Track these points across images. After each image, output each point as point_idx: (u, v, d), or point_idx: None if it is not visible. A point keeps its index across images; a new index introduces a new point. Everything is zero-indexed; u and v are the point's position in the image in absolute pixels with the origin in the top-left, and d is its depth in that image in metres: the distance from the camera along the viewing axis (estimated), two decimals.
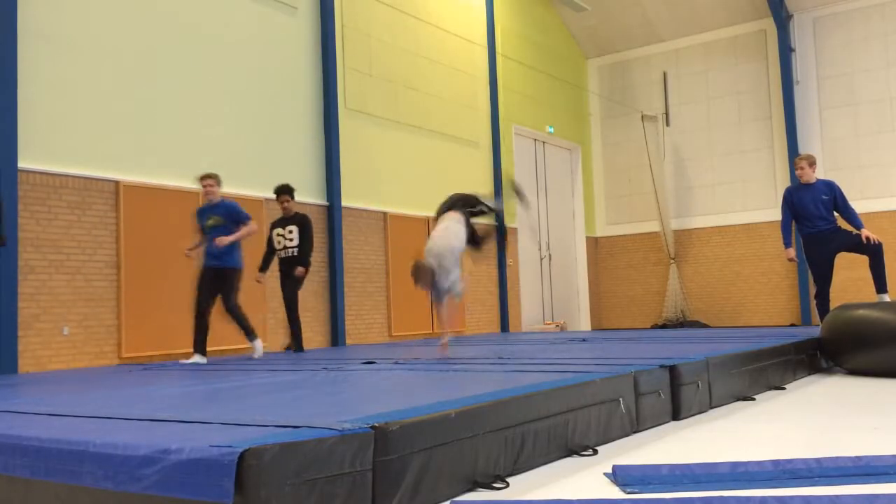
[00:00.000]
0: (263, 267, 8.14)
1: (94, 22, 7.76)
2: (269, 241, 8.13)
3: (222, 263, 7.03)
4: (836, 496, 2.45)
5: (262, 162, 9.26)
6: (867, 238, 7.16)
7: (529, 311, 14.35)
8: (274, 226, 8.14)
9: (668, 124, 15.68)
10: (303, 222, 8.01)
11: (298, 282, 8.00)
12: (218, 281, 7.04)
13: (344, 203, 10.23)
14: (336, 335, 9.92)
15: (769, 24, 14.66)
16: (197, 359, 6.97)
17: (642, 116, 15.39)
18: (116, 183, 7.78)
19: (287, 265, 8.00)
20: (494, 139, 13.31)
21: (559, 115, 15.48)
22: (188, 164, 8.44)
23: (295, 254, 7.95)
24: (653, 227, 15.61)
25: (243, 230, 7.10)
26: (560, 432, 3.42)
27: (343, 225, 10.20)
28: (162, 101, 8.28)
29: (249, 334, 7.29)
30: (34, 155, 7.15)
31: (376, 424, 2.52)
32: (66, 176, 7.38)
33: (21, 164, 7.00)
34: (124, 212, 7.77)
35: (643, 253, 15.94)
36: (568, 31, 16.17)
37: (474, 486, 2.87)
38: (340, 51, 10.47)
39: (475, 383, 3.92)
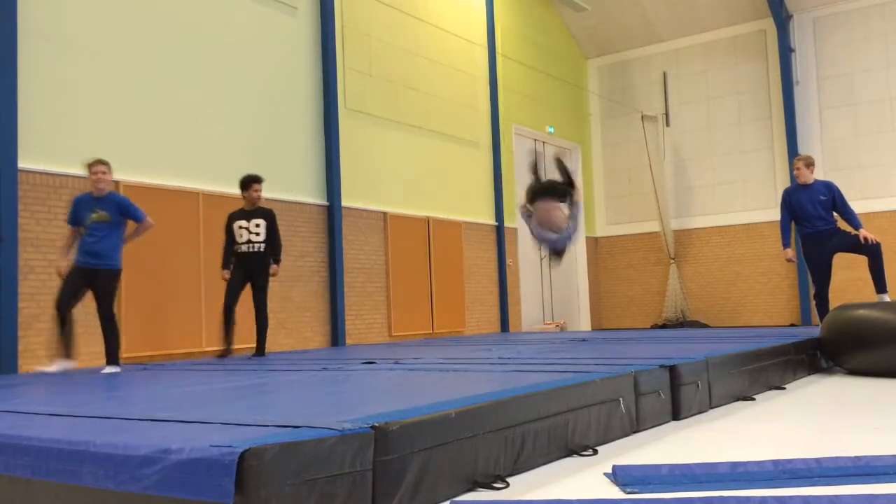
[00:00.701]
0: (227, 263, 7.47)
1: (94, 22, 7.76)
2: (230, 233, 7.46)
3: (101, 263, 6.16)
4: (836, 496, 2.46)
5: (262, 162, 9.24)
6: (865, 238, 7.17)
7: (529, 311, 14.35)
8: (234, 217, 7.49)
9: (668, 124, 15.68)
10: (271, 216, 7.51)
11: (267, 284, 7.48)
12: (93, 283, 6.17)
13: (344, 203, 10.23)
14: (336, 335, 9.92)
15: (769, 24, 14.66)
16: (61, 365, 6.08)
17: (642, 116, 15.39)
18: (116, 183, 7.76)
19: (250, 261, 7.38)
20: (494, 139, 13.31)
21: (559, 115, 15.48)
22: (188, 164, 8.45)
23: (261, 249, 7.38)
24: (653, 227, 15.61)
25: (143, 229, 6.49)
26: (560, 432, 3.42)
27: (343, 225, 10.20)
28: (162, 101, 8.28)
29: (112, 355, 6.23)
30: (34, 155, 7.15)
31: (376, 424, 2.52)
32: (66, 176, 7.37)
33: (21, 164, 7.00)
34: None
35: (643, 253, 15.94)
36: (568, 31, 16.18)
37: (474, 486, 2.87)
38: (340, 51, 10.47)
39: (475, 383, 3.92)
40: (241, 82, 9.14)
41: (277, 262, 7.55)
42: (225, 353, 7.35)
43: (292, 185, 9.62)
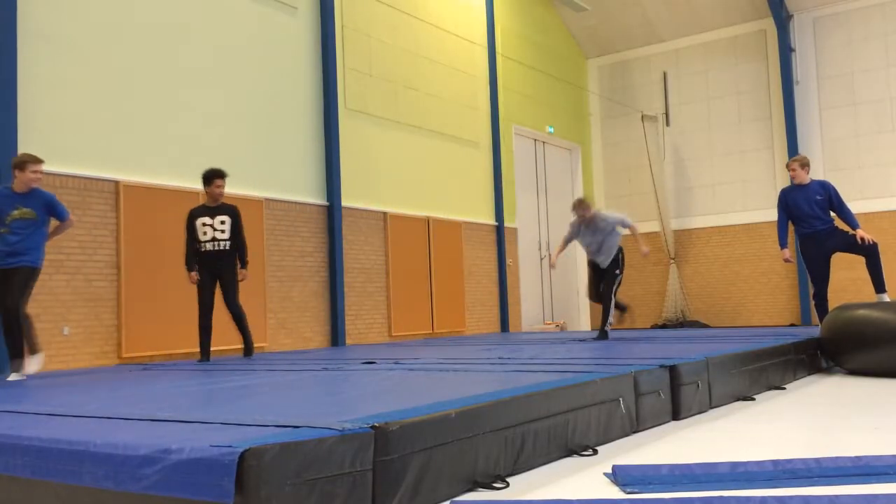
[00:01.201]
0: (193, 263, 7.03)
1: (94, 22, 7.76)
2: (192, 231, 7.04)
3: (20, 261, 5.80)
4: (836, 496, 2.46)
5: (262, 162, 9.26)
6: (861, 238, 7.16)
7: (529, 311, 14.35)
8: (197, 214, 7.09)
9: (668, 124, 15.68)
10: (236, 213, 7.13)
11: (237, 282, 7.11)
12: (10, 278, 5.77)
13: (344, 203, 10.24)
14: (336, 335, 9.92)
15: (769, 24, 14.66)
16: (15, 376, 5.77)
17: (642, 116, 15.39)
18: (116, 183, 7.78)
19: (217, 260, 7.00)
20: (494, 139, 13.31)
21: (559, 115, 15.48)
22: (188, 164, 8.44)
23: (227, 247, 7.01)
24: (653, 227, 15.61)
25: (65, 227, 6.23)
26: (560, 432, 3.42)
27: (343, 225, 10.20)
28: (162, 101, 8.28)
29: (31, 348, 5.91)
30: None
31: (376, 424, 2.52)
32: (66, 176, 7.37)
33: None
34: (124, 212, 7.77)
35: None
36: (568, 31, 16.17)
37: (474, 486, 2.87)
38: (340, 51, 10.48)
39: (475, 383, 3.92)
40: (241, 82, 9.14)
41: (244, 264, 7.14)
42: (204, 360, 7.05)
43: (292, 185, 9.62)
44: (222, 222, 7.03)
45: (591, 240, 8.03)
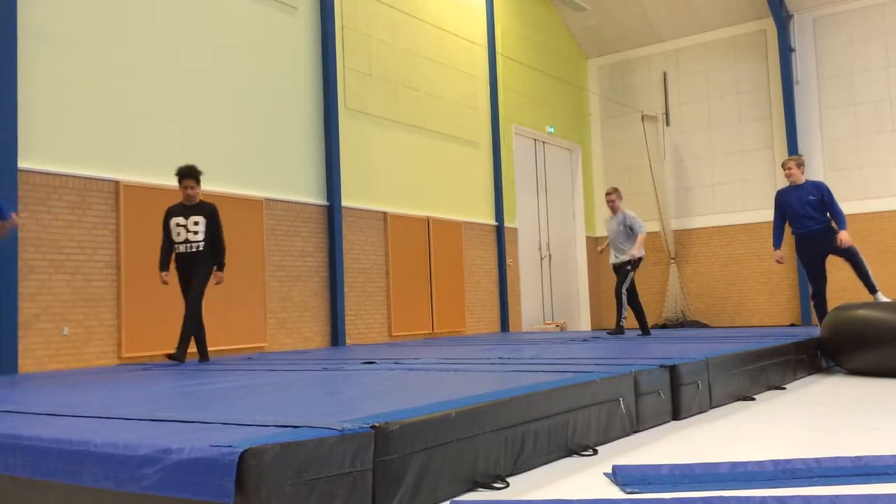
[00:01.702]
0: (165, 264, 6.73)
1: (93, 22, 7.76)
2: (167, 230, 6.75)
3: None
4: (836, 496, 2.46)
5: (262, 162, 9.25)
6: (840, 241, 7.16)
7: (529, 311, 14.35)
8: (172, 214, 6.76)
9: (668, 124, 15.68)
10: (213, 213, 6.73)
11: (205, 283, 6.71)
12: None
13: (344, 203, 10.23)
14: (336, 335, 9.92)
15: (769, 24, 14.66)
16: None
17: (642, 116, 15.39)
18: (116, 183, 7.78)
19: (190, 262, 6.67)
20: (494, 139, 13.31)
21: (559, 115, 15.48)
22: None
23: (201, 248, 6.65)
24: (653, 227, 15.59)
25: (9, 227, 6.07)
26: (560, 432, 3.42)
27: (343, 225, 10.20)
28: (162, 100, 8.28)
29: None
30: (34, 155, 7.15)
31: (376, 424, 2.52)
32: (66, 176, 7.37)
33: (21, 164, 7.00)
34: (124, 212, 7.77)
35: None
36: (568, 31, 16.17)
37: (474, 486, 2.87)
38: (340, 51, 10.47)
39: (475, 383, 3.92)
40: (241, 82, 9.14)
41: (221, 267, 6.80)
42: (203, 360, 6.91)
43: (292, 185, 9.62)
44: (196, 223, 6.67)
45: (611, 233, 8.84)
